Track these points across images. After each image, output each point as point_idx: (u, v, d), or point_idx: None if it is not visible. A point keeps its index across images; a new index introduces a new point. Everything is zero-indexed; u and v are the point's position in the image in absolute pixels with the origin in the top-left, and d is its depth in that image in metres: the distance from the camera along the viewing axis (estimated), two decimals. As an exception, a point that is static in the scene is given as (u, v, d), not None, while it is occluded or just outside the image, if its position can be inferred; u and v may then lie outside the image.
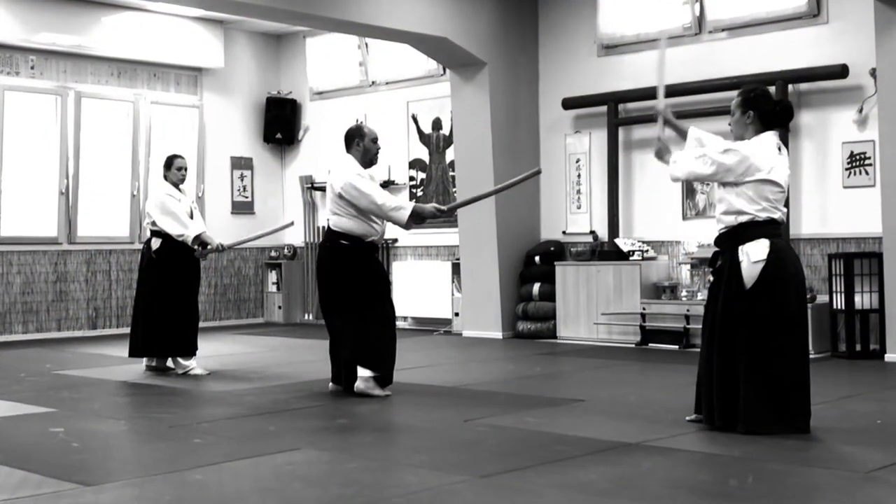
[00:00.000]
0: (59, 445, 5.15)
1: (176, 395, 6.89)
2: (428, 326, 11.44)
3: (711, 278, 5.45)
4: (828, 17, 8.91)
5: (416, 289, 11.44)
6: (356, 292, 6.57)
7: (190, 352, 7.81)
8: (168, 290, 7.75)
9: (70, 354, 9.47)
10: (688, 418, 5.48)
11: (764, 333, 5.09)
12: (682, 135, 5.64)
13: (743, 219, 5.16)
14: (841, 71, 8.70)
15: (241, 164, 12.81)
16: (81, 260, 11.39)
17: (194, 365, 7.79)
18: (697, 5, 9.61)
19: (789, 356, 5.11)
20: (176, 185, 7.90)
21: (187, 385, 7.26)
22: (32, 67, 11.04)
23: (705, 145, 5.40)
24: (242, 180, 12.83)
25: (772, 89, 8.80)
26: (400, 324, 11.57)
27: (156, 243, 7.81)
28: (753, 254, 5.11)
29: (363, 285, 6.60)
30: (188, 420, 5.85)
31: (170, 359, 7.89)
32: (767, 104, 5.29)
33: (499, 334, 10.44)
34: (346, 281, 6.59)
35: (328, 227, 6.79)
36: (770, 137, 5.24)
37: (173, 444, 5.19)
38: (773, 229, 5.16)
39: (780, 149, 5.24)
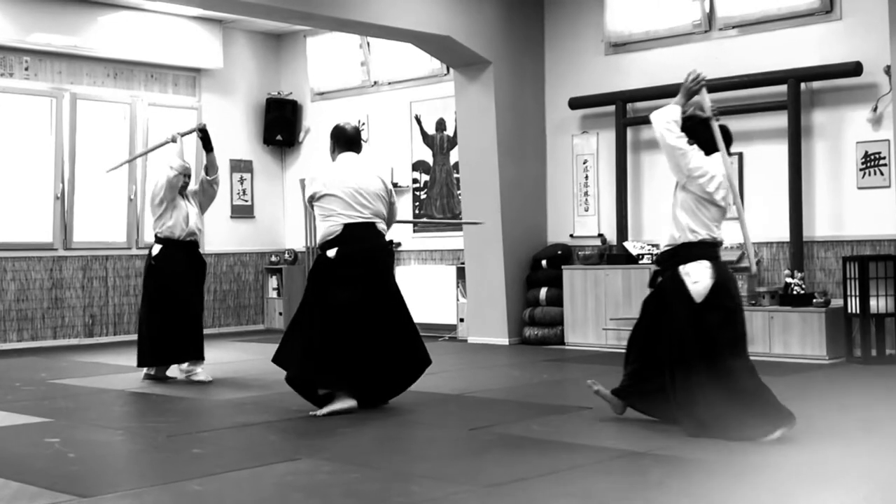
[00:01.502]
0: (54, 456, 5.11)
1: (174, 404, 6.84)
2: (432, 332, 11.27)
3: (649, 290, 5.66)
4: (841, 14, 8.79)
5: (420, 294, 11.27)
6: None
7: (197, 356, 7.74)
8: (170, 296, 7.69)
9: (66, 363, 9.38)
10: (594, 385, 5.73)
11: (714, 349, 5.24)
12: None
13: (685, 238, 5.37)
14: (855, 68, 8.57)
15: (240, 166, 12.66)
16: (77, 266, 11.24)
17: (200, 370, 7.73)
18: (707, 2, 9.48)
19: (740, 369, 5.25)
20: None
21: (185, 394, 7.21)
22: (27, 69, 10.89)
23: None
24: (242, 183, 12.68)
25: (783, 88, 8.81)
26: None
27: (156, 249, 7.81)
28: (694, 274, 5.32)
29: None
30: (186, 429, 5.81)
31: (173, 366, 7.82)
32: (706, 131, 5.45)
33: (505, 340, 10.30)
34: (397, 287, 6.50)
35: (375, 228, 6.25)
36: (718, 160, 5.41)
37: (171, 454, 5.16)
38: (711, 251, 5.39)
39: (725, 176, 5.39)
